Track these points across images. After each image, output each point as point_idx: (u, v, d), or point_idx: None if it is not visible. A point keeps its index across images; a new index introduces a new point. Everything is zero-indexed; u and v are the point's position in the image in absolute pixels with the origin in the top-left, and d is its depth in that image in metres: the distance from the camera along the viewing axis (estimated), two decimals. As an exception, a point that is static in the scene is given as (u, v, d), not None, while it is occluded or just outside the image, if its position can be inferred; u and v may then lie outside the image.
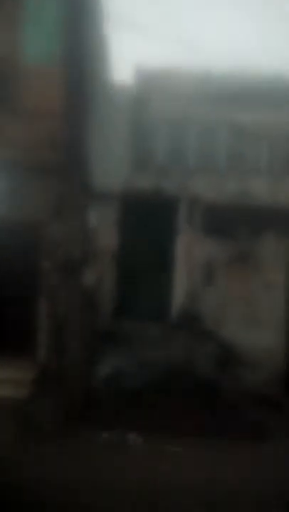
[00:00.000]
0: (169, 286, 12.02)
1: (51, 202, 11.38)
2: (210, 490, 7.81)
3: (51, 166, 10.99)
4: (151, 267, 12.04)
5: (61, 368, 10.86)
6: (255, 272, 11.88)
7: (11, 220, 11.67)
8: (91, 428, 9.78)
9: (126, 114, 11.78)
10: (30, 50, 11.36)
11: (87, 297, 11.47)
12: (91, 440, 9.49)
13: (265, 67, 12.07)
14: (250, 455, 9.12)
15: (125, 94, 11.86)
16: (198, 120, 11.91)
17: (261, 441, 9.67)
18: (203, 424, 10.09)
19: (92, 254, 11.71)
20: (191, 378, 11.36)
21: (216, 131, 11.97)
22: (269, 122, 11.92)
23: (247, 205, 11.86)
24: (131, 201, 11.96)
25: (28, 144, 11.01)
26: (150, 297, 12.02)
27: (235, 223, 11.86)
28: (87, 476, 8.06)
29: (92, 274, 11.66)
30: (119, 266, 11.90)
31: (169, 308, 12.02)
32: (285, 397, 11.34)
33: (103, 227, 11.76)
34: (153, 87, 11.86)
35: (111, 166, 11.58)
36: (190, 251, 11.94)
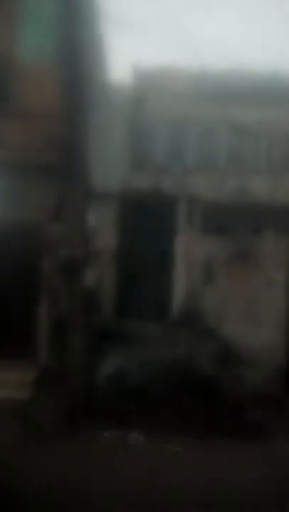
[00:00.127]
0: (169, 285, 12.02)
1: (51, 202, 11.39)
2: (210, 490, 7.82)
3: (50, 167, 10.99)
4: (152, 267, 12.04)
5: (62, 368, 10.88)
6: (256, 270, 11.87)
7: (10, 221, 11.67)
8: (92, 428, 9.79)
9: (124, 113, 11.77)
10: (27, 50, 11.35)
11: (87, 297, 11.48)
12: (92, 440, 9.51)
13: (263, 65, 12.06)
14: (251, 454, 9.14)
15: (123, 93, 11.84)
16: (196, 119, 11.90)
17: (262, 440, 9.69)
18: (204, 423, 10.11)
19: (93, 254, 11.71)
20: (192, 377, 11.36)
21: (215, 130, 11.96)
22: (268, 121, 11.91)
23: (246, 203, 11.85)
24: (130, 201, 11.96)
25: (26, 144, 11.01)
26: (150, 296, 12.01)
27: (235, 222, 11.85)
28: (88, 476, 8.07)
29: (92, 274, 11.67)
30: (119, 266, 11.89)
31: (170, 307, 12.03)
32: (286, 395, 11.34)
33: (103, 227, 11.76)
34: (151, 86, 11.84)
35: (110, 166, 11.58)
36: (190, 250, 11.93)
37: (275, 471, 8.47)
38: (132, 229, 11.96)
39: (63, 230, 11.36)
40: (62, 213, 11.36)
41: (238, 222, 11.85)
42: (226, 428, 9.99)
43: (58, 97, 10.95)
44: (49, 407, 9.93)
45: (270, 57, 12.92)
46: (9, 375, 10.76)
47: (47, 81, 11.05)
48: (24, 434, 9.34)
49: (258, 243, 11.87)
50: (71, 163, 11.07)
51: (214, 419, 10.31)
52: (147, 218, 12.05)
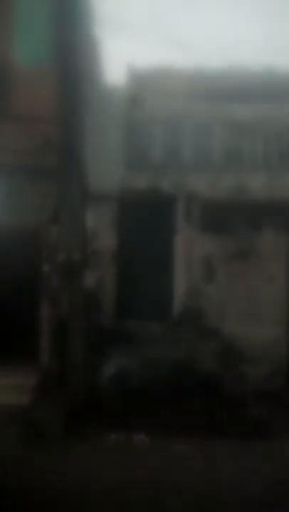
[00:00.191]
0: (169, 284, 12.02)
1: (49, 205, 11.38)
2: (217, 489, 7.82)
3: (48, 169, 10.99)
4: (151, 266, 12.04)
5: (64, 371, 10.86)
6: (256, 267, 11.87)
7: (9, 224, 11.67)
8: (97, 429, 9.78)
9: (120, 114, 11.78)
10: (22, 53, 11.35)
11: (88, 298, 11.48)
12: (98, 442, 9.49)
13: (258, 63, 12.08)
14: (257, 452, 9.13)
15: (119, 94, 11.86)
16: (193, 117, 11.91)
17: (267, 439, 9.69)
18: (208, 422, 10.10)
19: (92, 255, 11.71)
20: (194, 375, 11.37)
21: (211, 128, 11.97)
22: (264, 118, 11.93)
23: (245, 201, 11.86)
24: (128, 201, 11.96)
25: (23, 146, 11.00)
26: (151, 296, 12.01)
27: (234, 219, 11.86)
28: (93, 478, 8.07)
29: (92, 275, 11.66)
30: (119, 266, 11.89)
31: (170, 306, 12.03)
32: (288, 392, 11.35)
33: (102, 227, 11.76)
34: (146, 86, 11.86)
35: (107, 167, 11.58)
36: (189, 249, 11.94)
37: (277, 470, 8.46)
38: (131, 229, 11.96)
39: (62, 232, 11.35)
40: (61, 215, 11.35)
41: (237, 219, 11.86)
42: (229, 427, 9.98)
43: (54, 99, 10.95)
44: (52, 411, 9.91)
45: (264, 55, 12.93)
46: (11, 380, 10.75)
47: (42, 83, 11.05)
48: (27, 438, 9.31)
49: (257, 240, 11.87)
50: (68, 165, 11.06)
51: (217, 418, 10.31)
52: (146, 218, 12.05)
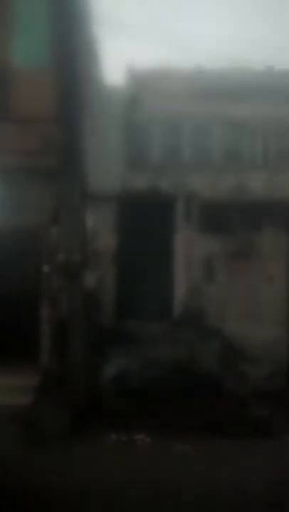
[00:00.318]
0: (169, 284, 12.02)
1: (49, 205, 11.38)
2: (217, 489, 7.82)
3: (48, 169, 10.99)
4: (152, 266, 12.04)
5: (64, 371, 10.86)
6: (256, 267, 11.87)
7: (9, 225, 11.67)
8: (98, 429, 9.78)
9: (120, 114, 11.78)
10: (21, 54, 11.35)
11: (88, 298, 11.47)
12: (98, 442, 9.49)
13: (257, 62, 12.08)
14: (258, 452, 9.13)
15: (119, 94, 11.86)
16: (192, 118, 11.91)
17: (267, 439, 9.69)
18: (208, 422, 10.10)
19: (92, 255, 11.71)
20: (194, 375, 11.37)
21: (211, 127, 11.97)
22: (263, 117, 11.93)
23: (245, 200, 11.86)
24: (128, 201, 11.96)
25: (23, 147, 11.00)
26: (151, 296, 12.02)
27: (234, 219, 11.86)
28: (93, 478, 8.07)
29: (92, 275, 11.66)
30: (119, 266, 11.89)
31: (171, 306, 12.03)
32: (288, 392, 11.35)
33: (102, 228, 11.76)
34: (146, 86, 11.85)
35: (107, 167, 11.58)
36: (189, 248, 11.93)
37: (277, 470, 8.46)
38: (131, 229, 11.96)
39: (62, 232, 11.35)
40: (61, 215, 11.35)
41: (237, 219, 11.86)
42: (229, 427, 9.98)
43: (54, 99, 10.94)
44: (52, 412, 9.91)
45: (264, 54, 12.92)
46: (12, 381, 10.75)
47: (42, 83, 11.05)
48: (28, 439, 9.31)
49: (257, 240, 11.87)
50: (68, 165, 11.06)
51: (217, 418, 10.30)
52: (146, 218, 12.05)
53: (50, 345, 11.38)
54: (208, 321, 11.83)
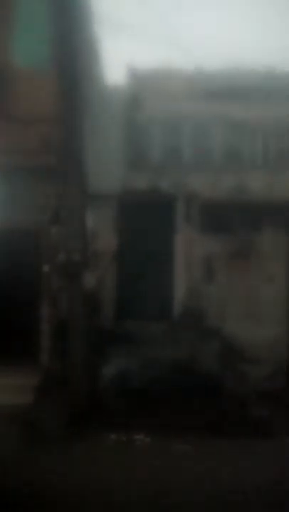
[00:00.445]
0: (169, 284, 12.03)
1: (49, 205, 11.39)
2: (217, 489, 7.82)
3: (48, 169, 10.99)
4: (152, 267, 12.05)
5: (64, 371, 10.87)
6: (256, 267, 11.88)
7: (9, 225, 11.68)
8: (98, 429, 9.78)
9: (120, 114, 11.78)
10: (22, 54, 11.36)
11: (88, 299, 11.47)
12: (98, 442, 9.49)
13: (258, 63, 12.07)
14: (258, 452, 9.13)
15: (119, 94, 11.87)
16: (192, 118, 11.92)
17: (267, 439, 9.69)
18: (208, 422, 10.10)
19: (92, 255, 11.71)
20: (194, 375, 11.37)
21: (211, 128, 11.98)
22: (263, 117, 11.93)
23: (245, 200, 11.87)
24: (129, 201, 11.97)
25: (23, 147, 11.01)
26: (151, 296, 12.02)
27: (234, 219, 11.87)
28: (93, 478, 8.07)
29: (92, 275, 11.66)
30: (119, 266, 11.90)
31: (171, 306, 12.03)
32: (288, 392, 11.35)
33: (102, 228, 11.77)
34: (146, 86, 11.87)
35: (107, 167, 11.58)
36: (189, 249, 11.94)
37: (277, 470, 8.46)
38: (131, 229, 11.97)
39: (62, 232, 11.35)
40: (61, 215, 11.36)
41: (237, 219, 11.86)
42: (229, 427, 9.98)
43: (54, 99, 10.95)
44: (52, 412, 9.91)
45: (264, 54, 12.91)
46: (12, 381, 10.75)
47: (42, 83, 11.06)
48: (28, 439, 9.32)
49: (257, 240, 11.88)
50: (68, 165, 11.06)
51: (217, 418, 10.31)
52: (146, 218, 12.05)
53: (50, 345, 11.39)
54: (208, 321, 11.83)
